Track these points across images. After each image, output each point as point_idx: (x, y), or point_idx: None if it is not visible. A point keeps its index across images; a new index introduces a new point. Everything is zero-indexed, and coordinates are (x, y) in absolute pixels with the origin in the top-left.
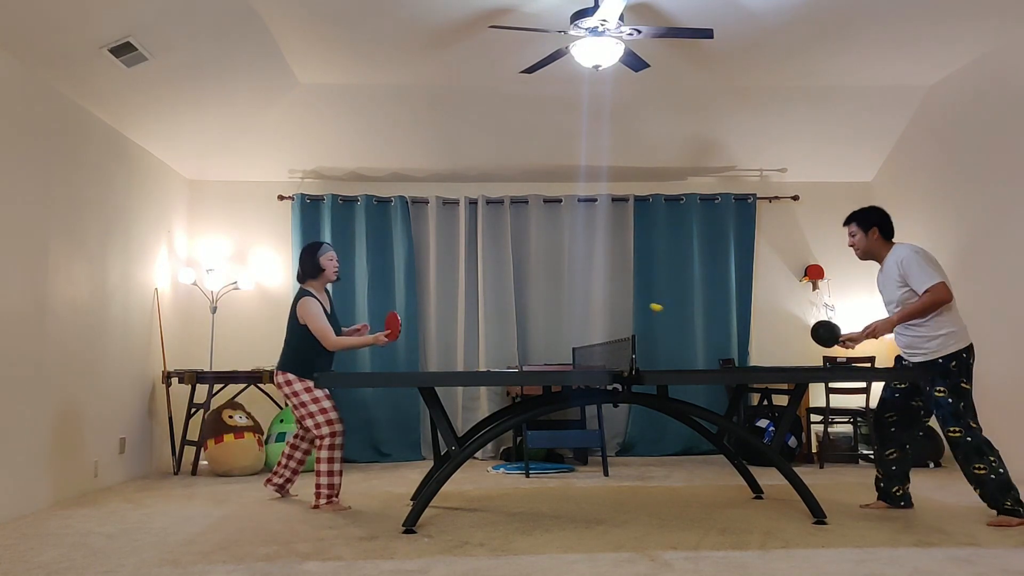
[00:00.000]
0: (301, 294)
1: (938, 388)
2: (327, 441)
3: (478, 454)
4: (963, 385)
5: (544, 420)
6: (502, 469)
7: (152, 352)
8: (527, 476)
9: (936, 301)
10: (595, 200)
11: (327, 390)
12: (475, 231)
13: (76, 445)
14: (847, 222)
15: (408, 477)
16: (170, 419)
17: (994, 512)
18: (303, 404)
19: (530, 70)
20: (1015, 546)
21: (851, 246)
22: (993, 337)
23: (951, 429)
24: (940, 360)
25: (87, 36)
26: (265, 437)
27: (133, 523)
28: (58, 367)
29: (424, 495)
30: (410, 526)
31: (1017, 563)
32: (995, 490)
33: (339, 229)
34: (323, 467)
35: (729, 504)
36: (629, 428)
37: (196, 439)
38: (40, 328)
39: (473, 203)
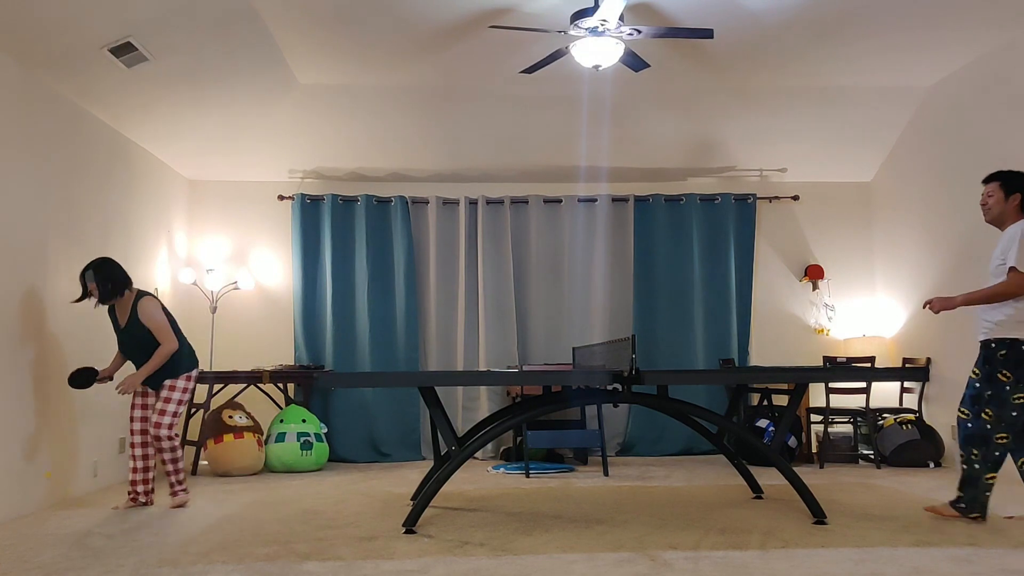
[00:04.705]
0: (140, 295)
1: (974, 369)
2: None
3: (478, 454)
4: (1001, 376)
5: (544, 420)
6: (502, 469)
7: None
8: (527, 476)
9: (1010, 290)
10: (595, 200)
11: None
12: (475, 231)
13: (76, 445)
14: (988, 180)
15: (408, 477)
16: None
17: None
18: (178, 402)
19: (530, 70)
20: (1014, 546)
21: (983, 205)
22: None
23: (961, 410)
24: (993, 343)
25: (87, 36)
26: (265, 437)
27: (133, 523)
28: (58, 367)
29: (424, 495)
30: (410, 526)
31: (1016, 563)
32: (962, 480)
33: (339, 229)
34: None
35: (729, 504)
36: (629, 428)
37: (196, 439)
38: (40, 328)
39: (473, 203)
